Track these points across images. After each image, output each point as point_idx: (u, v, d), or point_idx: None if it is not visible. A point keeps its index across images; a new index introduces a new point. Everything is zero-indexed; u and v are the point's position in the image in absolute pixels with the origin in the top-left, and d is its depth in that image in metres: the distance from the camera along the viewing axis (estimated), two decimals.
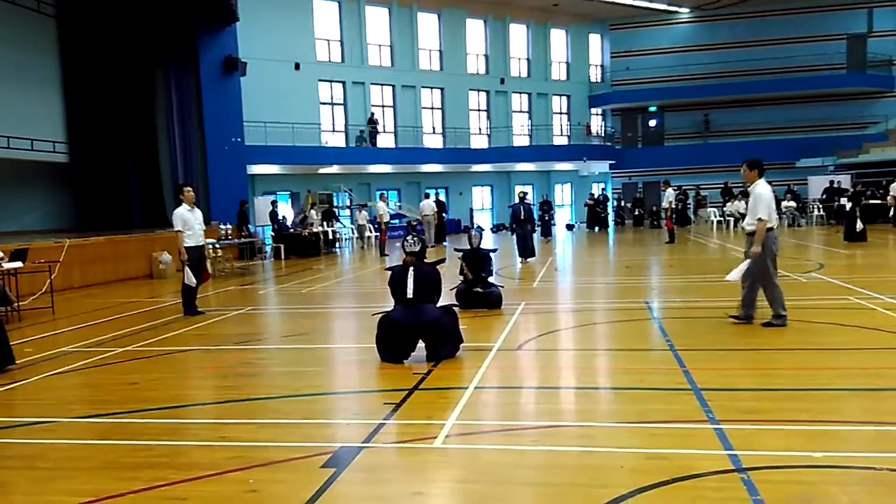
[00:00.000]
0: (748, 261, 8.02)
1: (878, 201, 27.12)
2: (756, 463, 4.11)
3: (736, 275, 8.13)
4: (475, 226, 10.90)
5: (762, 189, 8.12)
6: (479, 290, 10.33)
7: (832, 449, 4.31)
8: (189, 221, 10.56)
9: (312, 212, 24.48)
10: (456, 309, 7.63)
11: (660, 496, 3.79)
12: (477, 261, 10.58)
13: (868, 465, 4.04)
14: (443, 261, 9.88)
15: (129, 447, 4.90)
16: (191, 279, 10.47)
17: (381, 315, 7.27)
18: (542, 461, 4.43)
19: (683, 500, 3.75)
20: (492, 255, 11.13)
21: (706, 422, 4.89)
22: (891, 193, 25.64)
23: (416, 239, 7.41)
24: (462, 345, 7.31)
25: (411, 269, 7.20)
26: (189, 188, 10.89)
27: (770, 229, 8.04)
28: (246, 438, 4.95)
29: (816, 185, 31.30)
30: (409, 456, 4.61)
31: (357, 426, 5.17)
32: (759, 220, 7.97)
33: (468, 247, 10.90)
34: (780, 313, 8.08)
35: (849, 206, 23.65)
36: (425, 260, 7.50)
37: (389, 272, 7.50)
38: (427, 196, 26.23)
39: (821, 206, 30.12)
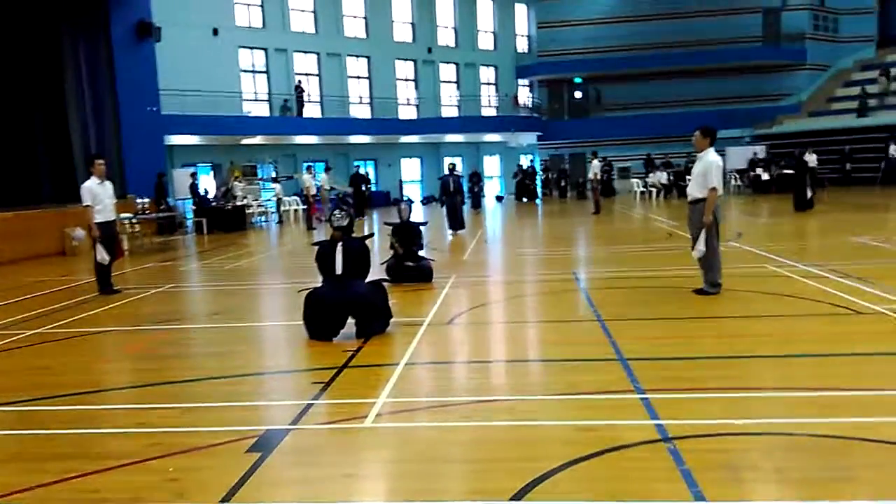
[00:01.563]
0: (704, 231, 8.03)
1: (791, 171, 28.21)
2: (681, 432, 4.18)
3: (701, 248, 8.09)
4: (405, 198, 10.66)
5: (714, 157, 8.12)
6: (409, 264, 10.22)
7: (752, 416, 4.42)
8: (99, 195, 10.00)
9: (237, 184, 23.76)
10: (386, 284, 7.52)
11: (590, 468, 3.81)
12: (407, 234, 10.44)
13: (787, 431, 4.16)
14: (371, 235, 9.72)
15: (37, 437, 4.63)
16: (103, 256, 9.98)
17: (308, 291, 7.08)
18: (474, 437, 4.40)
19: (613, 472, 3.79)
20: (422, 228, 11.00)
21: (633, 392, 4.96)
22: (810, 164, 26.77)
23: (343, 213, 7.21)
24: (392, 320, 7.21)
25: (340, 244, 7.02)
26: (101, 160, 10.29)
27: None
28: (166, 424, 4.74)
29: (735, 157, 32.36)
30: (338, 436, 4.51)
31: (284, 407, 5.02)
32: (713, 189, 8.00)
33: (398, 220, 10.75)
34: (716, 281, 8.26)
35: (764, 172, 24.54)
36: (353, 235, 7.32)
37: (317, 247, 7.31)
38: (309, 170, 24.77)
39: (738, 176, 31.17)
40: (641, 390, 4.96)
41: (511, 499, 3.47)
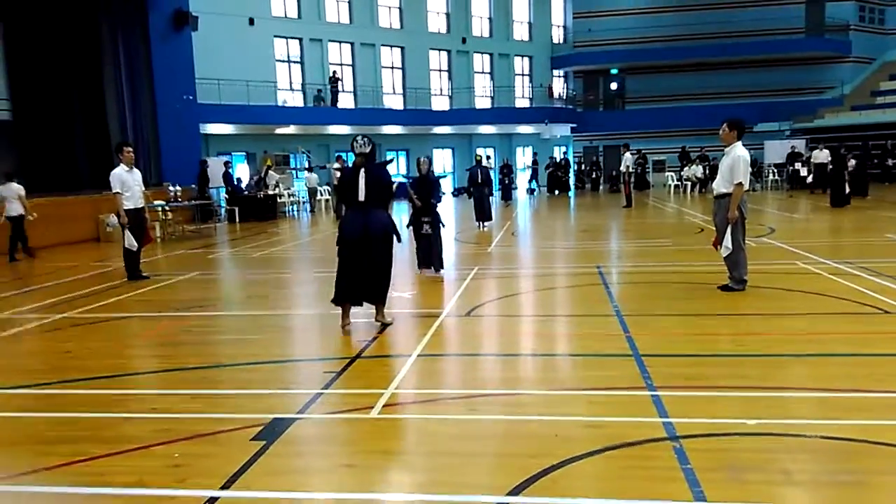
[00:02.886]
0: (730, 228, 7.85)
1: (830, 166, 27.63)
2: (689, 430, 4.10)
3: (728, 245, 7.91)
4: (425, 155, 10.47)
5: (742, 152, 7.93)
6: (426, 219, 10.09)
7: (766, 416, 4.32)
8: (128, 182, 10.17)
9: (272, 173, 23.97)
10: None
11: (590, 465, 3.76)
12: (426, 186, 10.24)
13: (799, 433, 4.05)
14: (391, 161, 9.77)
15: (52, 420, 4.73)
16: (132, 243, 10.15)
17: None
18: (477, 430, 4.37)
19: (615, 470, 3.73)
20: (441, 180, 10.98)
21: (644, 388, 4.88)
22: (812, 160, 26.26)
23: (366, 140, 7.05)
24: (410, 311, 7.22)
25: (362, 170, 6.92)
26: (129, 148, 10.47)
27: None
28: (177, 410, 4.80)
29: (773, 150, 31.69)
30: (343, 427, 4.51)
31: (293, 396, 5.05)
32: (739, 184, 7.82)
33: (417, 174, 10.58)
34: (742, 277, 8.10)
35: (803, 167, 23.96)
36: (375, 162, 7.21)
37: (339, 173, 7.31)
38: (339, 159, 24.46)
39: (776, 170, 30.53)
40: (653, 387, 4.88)
41: (508, 494, 3.44)
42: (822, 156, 25.65)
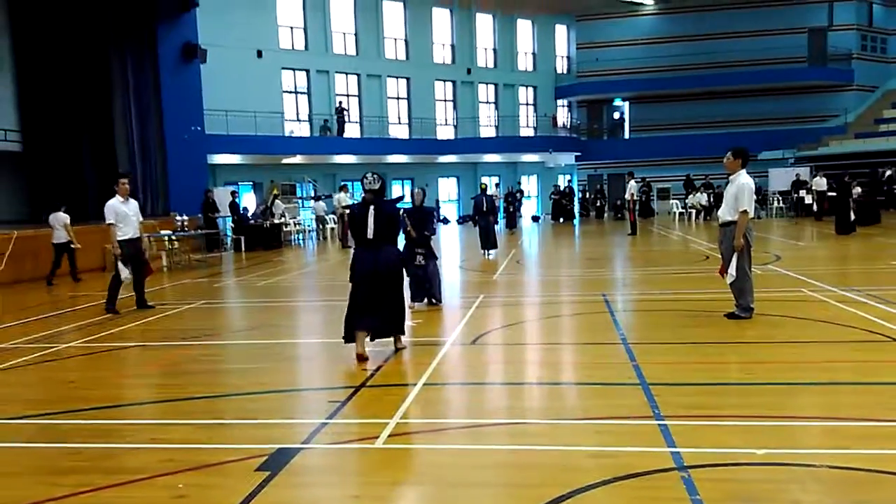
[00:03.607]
0: (735, 255, 7.86)
1: (832, 194, 27.67)
2: (698, 461, 4.06)
3: (732, 272, 7.92)
4: (420, 186, 10.31)
5: (747, 180, 7.96)
6: (420, 250, 9.80)
7: (775, 445, 4.27)
8: (122, 213, 10.13)
9: (278, 202, 24.09)
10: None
11: (599, 496, 3.72)
12: (421, 218, 10.03)
13: (809, 463, 4.01)
14: (401, 198, 9.70)
15: (57, 450, 4.71)
16: (126, 275, 10.07)
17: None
18: (484, 461, 4.34)
19: (621, 500, 3.69)
20: (434, 212, 10.82)
21: (651, 418, 4.84)
22: (812, 187, 26.29)
23: (375, 177, 7.10)
24: (414, 339, 7.21)
25: (371, 207, 6.95)
26: (125, 179, 10.44)
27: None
28: (181, 440, 4.78)
29: (777, 178, 31.72)
30: (348, 457, 4.49)
31: (298, 426, 5.03)
32: (744, 211, 7.85)
33: (411, 205, 10.38)
34: (748, 305, 8.07)
35: (808, 194, 23.92)
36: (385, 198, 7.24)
37: (347, 210, 7.34)
38: (344, 188, 24.23)
39: (781, 198, 30.55)
40: (661, 416, 4.85)
41: None
42: (822, 183, 25.71)
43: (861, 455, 4.08)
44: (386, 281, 6.87)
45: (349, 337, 6.92)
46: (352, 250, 7.35)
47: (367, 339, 6.88)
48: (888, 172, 28.46)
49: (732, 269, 7.92)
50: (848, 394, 5.36)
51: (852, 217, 19.04)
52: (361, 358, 6.74)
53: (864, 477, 3.81)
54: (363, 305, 6.84)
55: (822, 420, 4.79)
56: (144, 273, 10.56)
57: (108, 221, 10.12)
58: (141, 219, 10.57)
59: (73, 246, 14.34)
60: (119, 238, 10.07)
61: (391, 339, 7.13)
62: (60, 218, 14.47)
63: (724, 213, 8.15)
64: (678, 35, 37.39)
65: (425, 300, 9.94)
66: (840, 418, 4.78)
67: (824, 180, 25.49)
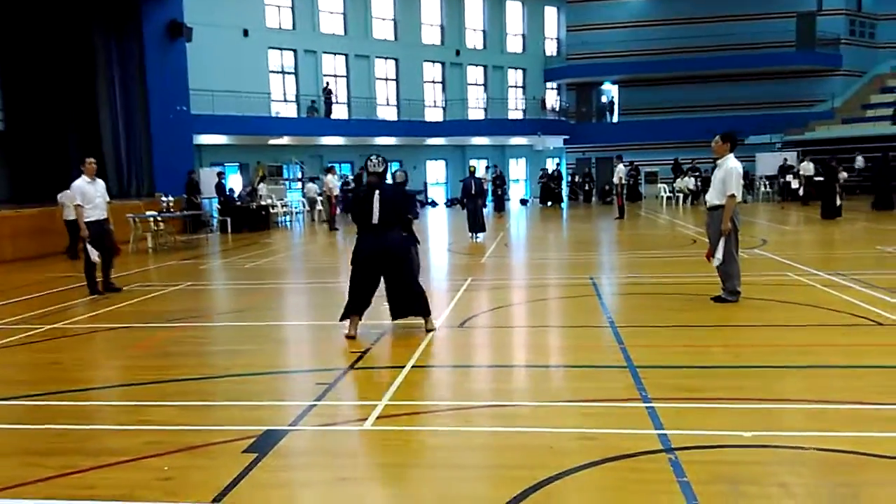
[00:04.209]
0: (723, 239, 7.88)
1: (819, 178, 27.79)
2: (685, 443, 4.08)
3: (719, 256, 7.92)
4: (401, 169, 9.80)
5: (735, 164, 7.98)
6: (403, 234, 9.50)
7: (762, 428, 4.29)
8: (89, 194, 9.92)
9: (262, 185, 23.90)
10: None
11: (586, 478, 3.73)
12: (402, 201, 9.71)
13: (796, 445, 4.03)
14: (405, 181, 9.44)
15: (42, 432, 4.66)
16: (95, 258, 9.85)
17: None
18: (472, 443, 4.34)
19: (610, 482, 3.70)
20: (418, 196, 10.42)
21: (639, 400, 4.85)
22: (802, 173, 26.38)
23: (380, 159, 7.01)
24: (401, 322, 7.18)
25: (377, 191, 6.87)
26: (91, 160, 10.26)
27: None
28: (167, 422, 4.75)
29: (764, 163, 31.81)
30: (336, 439, 4.47)
31: (286, 408, 5.01)
32: (732, 195, 7.84)
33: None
34: (735, 289, 8.09)
35: (795, 179, 23.97)
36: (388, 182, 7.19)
37: (351, 194, 7.23)
38: (331, 170, 23.36)
39: (768, 182, 30.67)
40: (648, 399, 4.86)
41: None
42: (809, 168, 25.80)
43: (848, 437, 4.11)
44: (394, 263, 6.86)
45: (345, 316, 6.92)
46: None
47: (389, 317, 6.98)
48: (859, 159, 28.44)
49: (719, 253, 7.93)
50: (834, 377, 5.39)
51: (838, 202, 19.15)
52: (349, 337, 6.79)
53: (851, 459, 3.84)
54: (363, 290, 6.84)
55: (809, 403, 4.82)
56: (112, 253, 10.33)
57: (75, 202, 9.94)
58: (108, 199, 10.31)
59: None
60: (85, 219, 9.86)
61: (400, 320, 7.12)
62: (69, 195, 14.26)
63: (712, 198, 8.14)
64: (668, 18, 37.25)
65: None
66: (826, 401, 4.81)
67: (812, 165, 25.61)
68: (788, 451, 3.99)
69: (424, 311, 7.12)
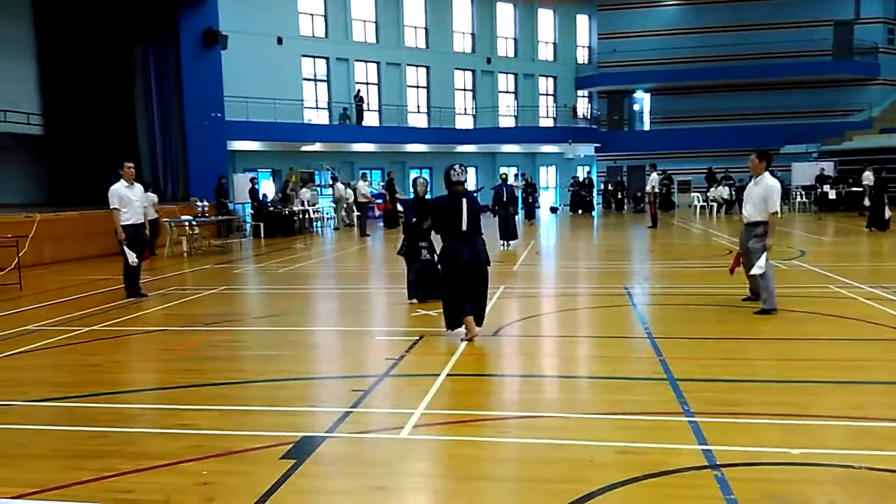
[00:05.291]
0: (765, 253, 8.01)
1: (857, 189, 27.17)
2: (730, 459, 3.98)
3: (762, 264, 7.99)
4: (423, 176, 9.38)
5: (773, 182, 8.18)
6: (423, 244, 9.17)
7: (809, 445, 4.18)
8: (126, 198, 10.07)
9: (305, 190, 24.07)
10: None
11: (629, 493, 3.65)
12: (423, 209, 9.04)
13: (846, 464, 3.91)
14: (481, 189, 9.37)
15: (81, 434, 4.70)
16: (133, 259, 9.99)
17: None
18: (510, 454, 4.28)
19: (654, 498, 3.62)
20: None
21: (681, 414, 4.75)
22: (863, 182, 25.61)
23: (463, 168, 7.12)
24: (436, 330, 7.14)
25: (464, 199, 6.96)
26: (129, 164, 10.41)
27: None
28: (205, 426, 4.76)
29: (800, 172, 31.29)
30: (373, 447, 4.43)
31: (322, 414, 4.99)
32: (775, 212, 8.07)
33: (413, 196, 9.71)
34: (774, 299, 8.14)
35: (832, 189, 23.44)
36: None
37: (436, 202, 7.29)
38: (363, 177, 23.89)
39: (804, 192, 30.13)
40: (690, 413, 4.76)
41: None
42: (869, 177, 24.94)
43: None
44: (484, 270, 7.04)
45: (455, 324, 7.02)
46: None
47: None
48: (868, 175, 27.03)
49: (762, 262, 7.96)
50: (880, 393, 5.24)
51: (887, 214, 18.63)
52: (470, 339, 6.91)
53: None
54: (467, 294, 6.92)
55: (853, 420, 4.67)
56: (143, 258, 10.46)
57: (112, 206, 10.05)
58: (146, 203, 10.52)
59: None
60: (123, 223, 10.00)
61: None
62: (149, 197, 15.88)
63: (752, 214, 8.25)
64: (701, 26, 36.91)
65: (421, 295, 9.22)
66: (871, 418, 4.67)
67: (871, 174, 24.83)
68: (838, 469, 3.87)
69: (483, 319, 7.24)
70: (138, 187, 10.47)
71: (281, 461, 4.09)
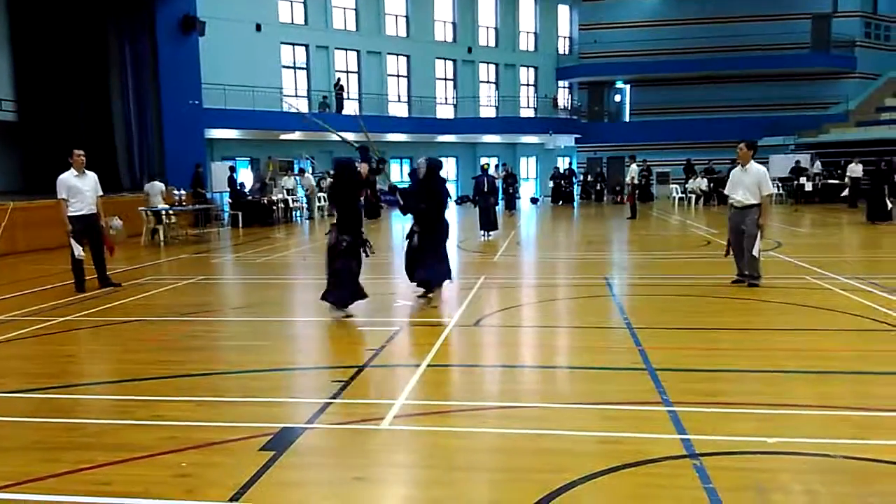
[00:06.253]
0: (760, 233, 8.93)
1: (836, 181, 27.47)
2: (709, 448, 4.01)
3: (759, 246, 8.97)
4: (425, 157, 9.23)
5: (761, 167, 9.17)
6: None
7: (785, 434, 4.22)
8: (75, 188, 9.57)
9: (286, 178, 23.92)
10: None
11: (610, 483, 3.66)
12: (423, 195, 8.81)
13: (822, 452, 3.96)
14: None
15: (57, 425, 4.63)
16: (79, 253, 9.53)
17: None
18: (491, 444, 4.28)
19: (633, 487, 3.64)
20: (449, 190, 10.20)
21: (660, 404, 4.78)
22: (849, 174, 25.86)
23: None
24: (417, 320, 7.13)
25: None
26: (80, 152, 9.84)
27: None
28: (183, 417, 4.70)
29: (777, 165, 31.58)
30: (353, 438, 4.41)
31: (302, 405, 4.96)
32: (770, 195, 9.21)
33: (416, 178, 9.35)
34: (759, 273, 9.14)
35: (809, 182, 23.62)
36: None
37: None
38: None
39: (781, 185, 30.42)
40: (669, 402, 4.79)
41: None
42: (857, 170, 25.12)
43: (873, 445, 4.03)
44: None
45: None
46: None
47: None
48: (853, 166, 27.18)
49: (759, 244, 8.92)
50: (857, 383, 5.30)
51: (889, 206, 18.72)
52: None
53: (882, 469, 3.76)
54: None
55: (834, 409, 4.73)
56: (101, 249, 9.97)
57: (59, 196, 9.57)
58: (100, 193, 9.98)
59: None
60: (70, 213, 9.55)
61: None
62: (157, 187, 16.89)
63: (748, 198, 9.02)
64: (681, 18, 37.04)
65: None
66: (844, 407, 4.73)
67: (860, 167, 25.02)
68: (815, 458, 3.91)
69: None
70: (90, 176, 9.86)
71: (260, 452, 4.06)
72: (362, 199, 8.30)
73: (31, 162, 22.35)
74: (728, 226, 9.50)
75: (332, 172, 9.07)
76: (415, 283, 8.95)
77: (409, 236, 8.96)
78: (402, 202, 8.79)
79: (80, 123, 22.47)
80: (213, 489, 3.62)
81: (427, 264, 8.61)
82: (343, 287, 7.54)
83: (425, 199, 8.64)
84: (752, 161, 9.17)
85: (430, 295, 8.70)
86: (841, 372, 5.57)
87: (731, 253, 9.37)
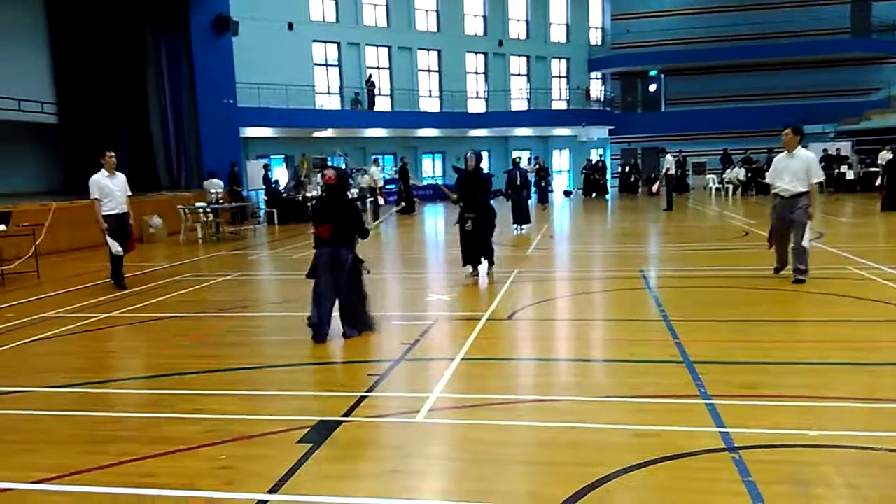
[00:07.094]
0: (809, 222, 8.54)
1: (874, 169, 26.74)
2: (748, 441, 3.96)
3: (809, 236, 8.59)
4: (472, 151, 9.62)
5: (810, 153, 8.79)
6: (470, 215, 9.62)
7: (827, 427, 4.15)
8: (107, 188, 9.92)
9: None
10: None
11: (646, 476, 3.64)
12: (471, 184, 9.62)
13: (865, 445, 3.88)
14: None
15: (101, 419, 4.75)
16: (117, 249, 9.88)
17: None
18: (527, 437, 4.28)
19: (670, 480, 3.61)
20: (492, 179, 10.45)
21: (698, 397, 4.73)
22: (879, 161, 25.17)
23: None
24: (450, 314, 7.14)
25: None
26: (111, 153, 10.19)
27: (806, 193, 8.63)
28: (223, 411, 4.79)
29: (817, 153, 30.91)
30: (389, 431, 4.46)
31: (338, 399, 5.01)
32: (819, 182, 8.82)
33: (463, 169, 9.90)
34: (807, 268, 8.67)
35: (850, 169, 22.96)
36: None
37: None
38: (376, 162, 24.17)
39: None
40: (707, 396, 4.74)
41: None
42: (887, 157, 24.49)
43: None
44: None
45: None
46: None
47: None
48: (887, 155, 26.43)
49: (809, 234, 8.53)
50: None
51: None
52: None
53: None
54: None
55: (873, 402, 4.63)
56: (127, 249, 10.23)
57: (91, 196, 9.94)
58: (129, 193, 10.30)
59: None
60: (103, 213, 9.91)
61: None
62: (215, 183, 18.01)
63: (796, 185, 8.59)
64: (716, 5, 36.44)
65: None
66: (890, 400, 4.62)
67: (891, 154, 24.40)
68: (857, 451, 3.84)
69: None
70: (120, 176, 10.21)
71: (298, 445, 4.12)
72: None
73: (72, 163, 22.83)
74: (772, 215, 9.07)
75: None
76: (468, 267, 9.87)
77: (461, 223, 9.78)
78: (454, 197, 9.94)
79: (118, 124, 22.95)
80: (252, 481, 3.68)
81: (487, 246, 9.85)
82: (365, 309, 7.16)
83: (478, 188, 9.66)
84: (801, 147, 8.74)
85: (490, 271, 10.00)
86: (886, 364, 5.44)
87: (773, 244, 9.07)
